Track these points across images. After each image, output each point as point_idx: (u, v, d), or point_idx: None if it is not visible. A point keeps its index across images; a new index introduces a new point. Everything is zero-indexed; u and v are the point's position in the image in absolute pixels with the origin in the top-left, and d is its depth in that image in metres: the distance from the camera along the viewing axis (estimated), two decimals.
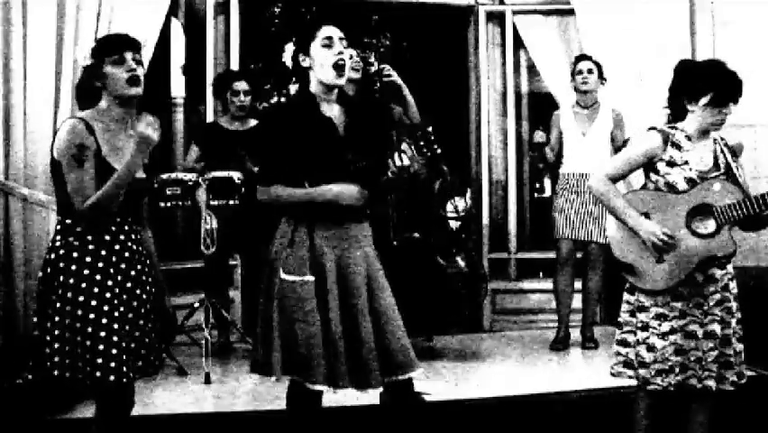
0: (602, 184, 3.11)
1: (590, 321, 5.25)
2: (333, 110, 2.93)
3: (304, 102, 2.93)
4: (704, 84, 3.02)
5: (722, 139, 3.14)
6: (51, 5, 4.34)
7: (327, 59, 2.86)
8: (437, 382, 4.16)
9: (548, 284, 5.51)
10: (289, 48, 3.01)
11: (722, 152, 3.10)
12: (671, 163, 3.06)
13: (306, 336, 2.76)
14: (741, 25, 5.41)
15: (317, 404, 2.88)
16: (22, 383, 3.26)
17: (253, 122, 5.09)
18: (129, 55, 2.75)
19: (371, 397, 2.87)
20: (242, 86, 5.03)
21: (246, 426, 3.72)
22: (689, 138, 3.08)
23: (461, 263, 4.84)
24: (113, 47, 2.76)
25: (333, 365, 2.76)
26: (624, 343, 3.13)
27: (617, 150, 5.02)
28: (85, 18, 4.42)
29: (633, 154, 3.15)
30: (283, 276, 2.80)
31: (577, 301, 5.30)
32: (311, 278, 2.80)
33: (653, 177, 3.11)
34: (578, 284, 5.27)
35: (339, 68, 2.86)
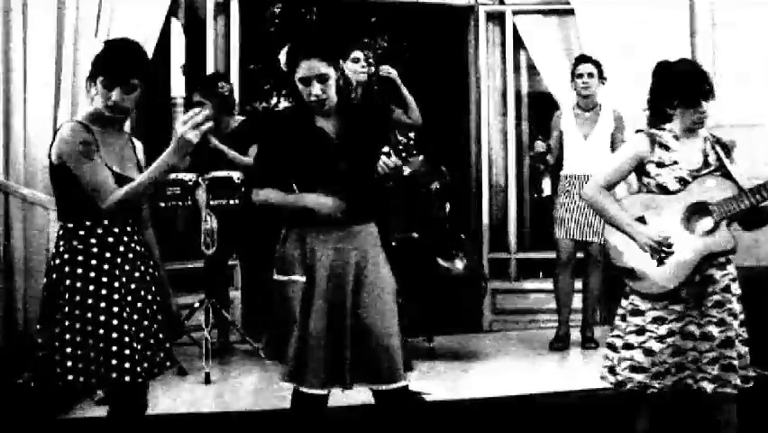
0: (595, 192, 3.09)
1: (591, 321, 5.24)
2: (329, 119, 2.89)
3: (299, 113, 2.91)
4: (671, 88, 3.02)
5: (713, 136, 3.10)
6: (51, 6, 4.34)
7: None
8: (437, 382, 4.16)
9: (548, 284, 5.51)
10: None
11: (713, 148, 3.06)
12: (660, 164, 3.03)
13: (295, 339, 2.76)
14: (741, 26, 5.41)
15: (321, 406, 2.86)
16: (22, 383, 3.25)
17: (239, 118, 5.06)
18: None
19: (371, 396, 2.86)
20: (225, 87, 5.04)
21: (246, 426, 3.72)
22: (676, 138, 3.05)
23: (461, 263, 4.83)
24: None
25: (320, 366, 2.74)
26: (611, 347, 3.12)
27: (614, 151, 5.02)
28: (85, 19, 4.42)
29: (621, 159, 3.14)
30: (275, 276, 2.82)
31: (577, 301, 5.30)
32: (300, 278, 2.79)
33: (645, 180, 3.08)
34: (578, 284, 5.28)
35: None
